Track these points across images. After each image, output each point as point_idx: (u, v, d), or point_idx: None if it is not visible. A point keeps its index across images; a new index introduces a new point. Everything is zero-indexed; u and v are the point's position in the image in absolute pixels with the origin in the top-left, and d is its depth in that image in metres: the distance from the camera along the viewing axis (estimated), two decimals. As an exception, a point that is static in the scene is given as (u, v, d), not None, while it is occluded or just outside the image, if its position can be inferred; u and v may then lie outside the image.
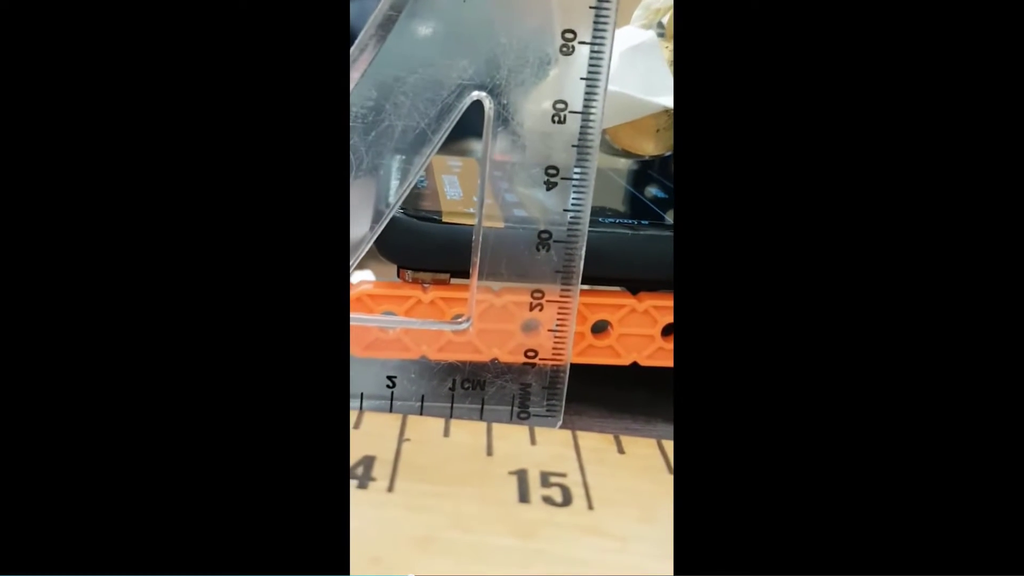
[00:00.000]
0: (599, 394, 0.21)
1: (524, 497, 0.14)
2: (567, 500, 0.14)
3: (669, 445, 0.17)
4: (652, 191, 0.25)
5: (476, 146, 0.21)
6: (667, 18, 0.22)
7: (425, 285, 0.19)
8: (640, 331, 0.20)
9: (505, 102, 0.17)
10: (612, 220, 0.21)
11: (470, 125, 0.18)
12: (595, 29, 0.16)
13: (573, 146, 0.17)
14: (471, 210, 0.20)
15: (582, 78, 0.17)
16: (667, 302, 0.20)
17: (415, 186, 0.22)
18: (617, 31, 0.18)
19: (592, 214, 0.18)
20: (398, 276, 0.20)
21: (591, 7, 0.16)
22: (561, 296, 0.19)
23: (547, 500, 0.14)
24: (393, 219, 0.18)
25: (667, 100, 0.20)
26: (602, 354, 0.20)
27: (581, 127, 0.17)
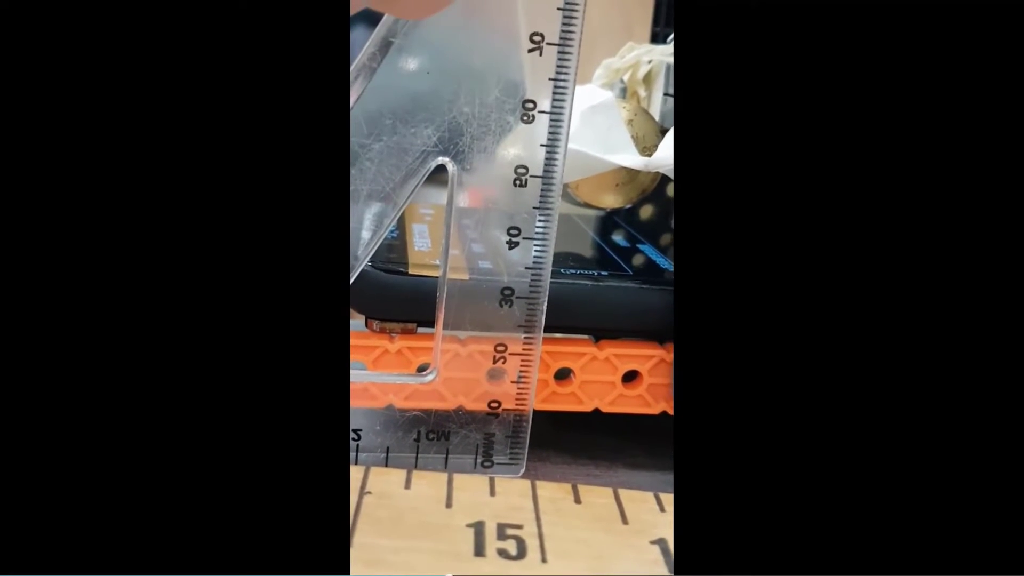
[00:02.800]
0: (562, 440, 0.22)
1: (480, 551, 0.15)
2: (521, 553, 0.15)
3: (625, 494, 0.18)
4: (616, 239, 0.26)
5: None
6: (627, 76, 0.23)
7: (392, 335, 0.20)
8: (601, 378, 0.21)
9: (468, 167, 0.18)
10: (574, 271, 0.21)
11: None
12: (554, 99, 0.17)
13: (534, 208, 0.18)
14: (437, 262, 0.21)
15: (542, 144, 0.18)
16: (627, 350, 0.21)
17: (385, 236, 0.23)
18: (577, 89, 0.19)
19: (555, 263, 0.19)
20: (366, 326, 0.21)
21: (551, 79, 0.17)
22: (524, 349, 0.19)
23: (502, 553, 0.15)
24: (361, 271, 0.19)
25: (624, 159, 0.21)
26: (565, 401, 0.21)
27: (542, 190, 0.18)
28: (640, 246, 0.25)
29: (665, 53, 0.23)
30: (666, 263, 0.23)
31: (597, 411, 0.21)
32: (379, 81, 0.17)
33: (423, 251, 0.22)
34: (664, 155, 0.20)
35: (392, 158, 0.17)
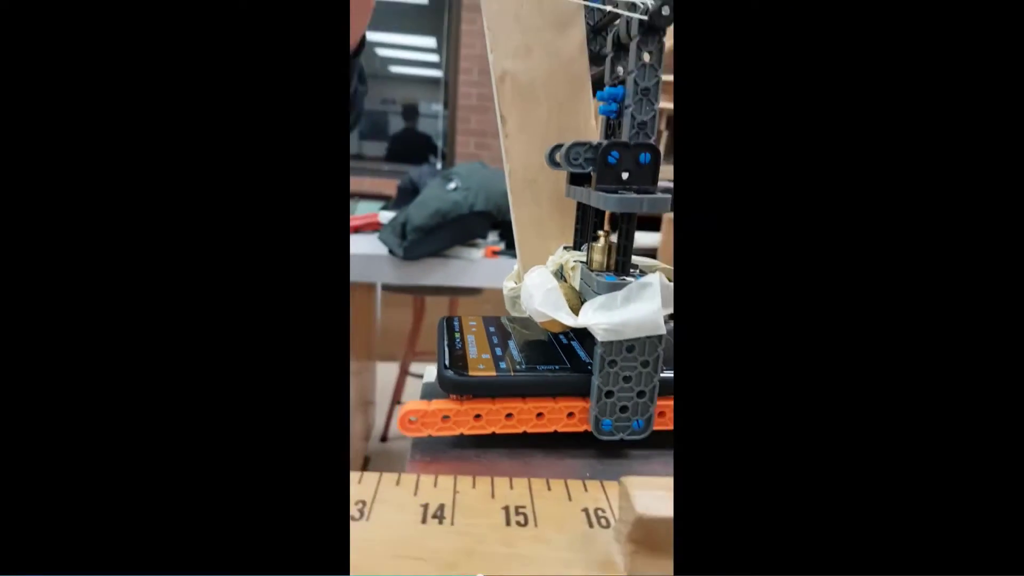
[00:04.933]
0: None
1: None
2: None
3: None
4: (560, 337, 0.51)
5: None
6: (564, 263, 0.49)
7: (461, 402, 0.45)
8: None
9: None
10: (544, 367, 0.46)
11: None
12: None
13: (525, 350, 0.43)
14: (481, 365, 0.45)
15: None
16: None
17: (455, 346, 0.48)
18: (539, 271, 0.44)
19: (535, 362, 0.44)
20: (448, 397, 0.45)
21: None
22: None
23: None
24: (447, 373, 0.44)
25: (563, 317, 0.46)
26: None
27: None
28: (572, 343, 0.50)
29: (578, 257, 0.48)
30: (585, 356, 0.49)
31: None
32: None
33: (474, 358, 0.47)
34: (583, 318, 0.45)
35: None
